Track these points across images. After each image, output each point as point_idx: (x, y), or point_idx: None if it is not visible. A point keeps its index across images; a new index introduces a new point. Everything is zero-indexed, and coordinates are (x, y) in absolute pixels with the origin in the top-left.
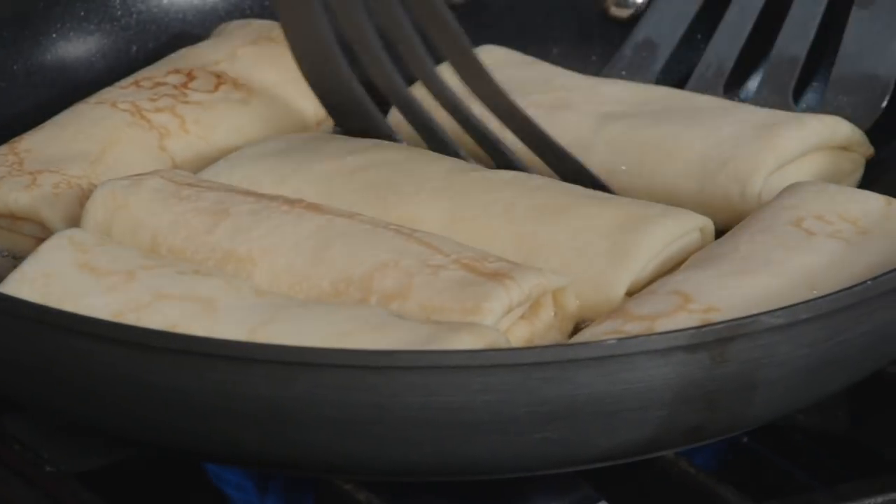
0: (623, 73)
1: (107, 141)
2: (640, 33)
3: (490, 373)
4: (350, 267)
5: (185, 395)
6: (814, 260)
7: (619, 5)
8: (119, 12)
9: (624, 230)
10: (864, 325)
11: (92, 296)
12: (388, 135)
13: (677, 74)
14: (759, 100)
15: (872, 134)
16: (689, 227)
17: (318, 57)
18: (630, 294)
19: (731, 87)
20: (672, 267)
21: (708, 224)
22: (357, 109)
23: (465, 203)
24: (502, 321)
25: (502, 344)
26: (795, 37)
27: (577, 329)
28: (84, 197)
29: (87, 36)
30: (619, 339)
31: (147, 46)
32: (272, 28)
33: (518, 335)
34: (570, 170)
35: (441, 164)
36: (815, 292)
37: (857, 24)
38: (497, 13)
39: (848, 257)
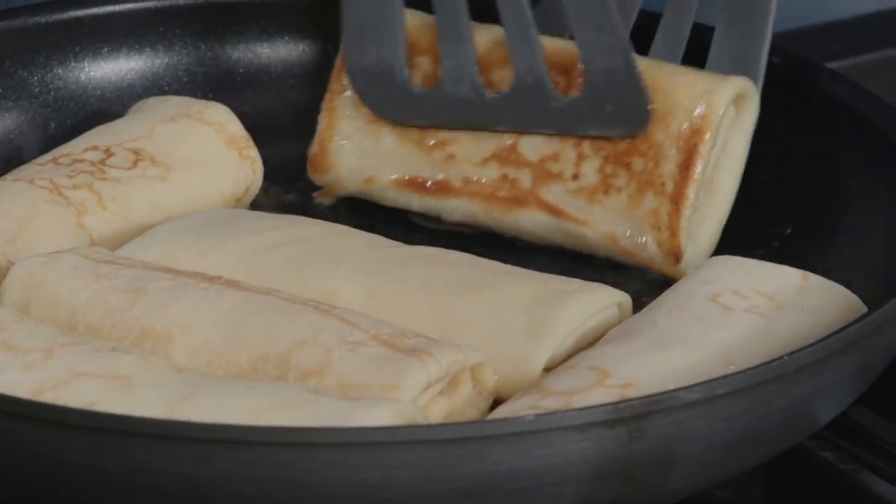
0: None
1: (24, 218)
2: None
3: (408, 449)
4: (268, 343)
5: (103, 473)
6: (731, 335)
7: None
8: (37, 89)
9: (542, 306)
10: (782, 401)
11: (9, 373)
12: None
13: None
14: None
15: (788, 209)
16: (606, 302)
17: None
18: (548, 369)
19: None
20: (590, 342)
21: (626, 299)
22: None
23: (383, 279)
24: (421, 397)
25: (420, 420)
26: (668, 48)
27: (495, 405)
28: (1, 275)
29: (4, 113)
30: (537, 415)
31: (65, 123)
32: (190, 105)
33: (436, 411)
34: None
35: (359, 240)
36: (732, 367)
37: (721, 37)
38: None
39: (765, 332)
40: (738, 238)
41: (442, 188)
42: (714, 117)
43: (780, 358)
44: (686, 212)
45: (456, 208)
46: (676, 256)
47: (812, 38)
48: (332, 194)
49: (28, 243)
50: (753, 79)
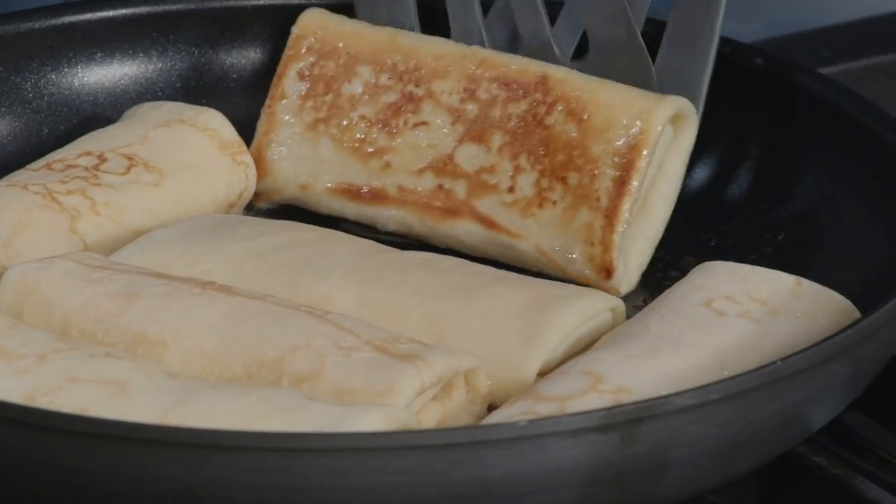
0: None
1: (18, 224)
2: None
3: (401, 454)
4: (261, 349)
5: (96, 478)
6: (724, 340)
7: None
8: (31, 95)
9: (535, 311)
10: (775, 406)
11: (2, 379)
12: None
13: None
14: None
15: (781, 215)
16: (600, 307)
17: None
18: (542, 375)
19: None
20: (584, 347)
21: (619, 305)
22: None
23: (376, 285)
24: (414, 403)
25: (414, 425)
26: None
27: (489, 410)
28: None
29: None
30: (531, 421)
31: (59, 129)
32: (184, 110)
33: (430, 417)
34: None
35: (352, 246)
36: (725, 373)
37: (665, 57)
38: None
39: (758, 337)
40: (731, 244)
41: (377, 196)
42: (651, 134)
43: (774, 363)
44: (619, 227)
45: (390, 217)
46: (608, 271)
47: (804, 44)
48: (269, 200)
49: (21, 249)
50: (694, 98)
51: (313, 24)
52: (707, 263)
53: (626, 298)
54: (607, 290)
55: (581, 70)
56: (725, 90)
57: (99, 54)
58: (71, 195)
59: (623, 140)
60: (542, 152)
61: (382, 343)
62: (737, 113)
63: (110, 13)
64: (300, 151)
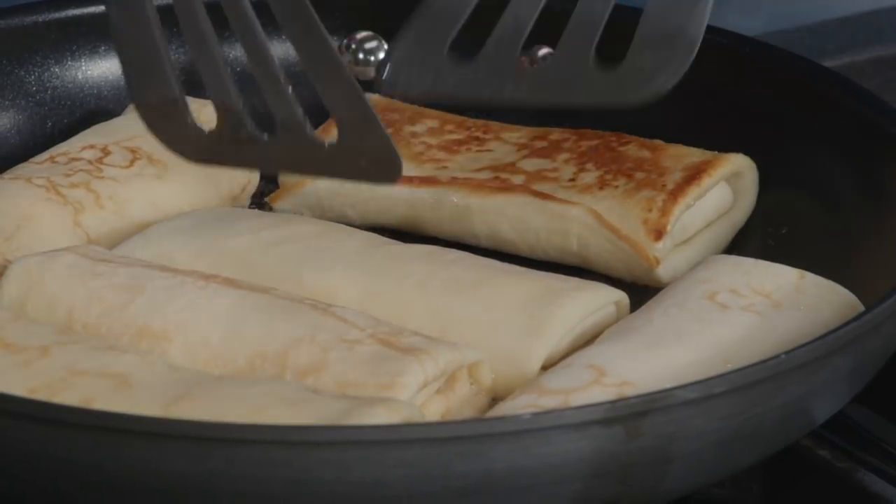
0: (414, 43)
1: (21, 217)
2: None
3: (405, 447)
4: (265, 342)
5: (99, 471)
6: (727, 333)
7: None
8: (34, 88)
9: (539, 304)
10: (778, 399)
11: (5, 372)
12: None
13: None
14: (558, 59)
15: (784, 208)
16: (604, 300)
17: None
18: (545, 368)
19: (529, 48)
20: (587, 340)
21: (623, 298)
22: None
23: (380, 277)
24: (418, 396)
25: (417, 419)
26: (594, 3)
27: (492, 403)
28: None
29: (1, 111)
30: (534, 414)
31: (62, 122)
32: (187, 103)
33: (433, 410)
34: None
35: (356, 238)
36: (728, 366)
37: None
38: None
39: (761, 331)
40: (735, 237)
41: (426, 181)
42: (725, 161)
43: (777, 356)
44: (682, 202)
45: (430, 195)
46: (658, 233)
47: (808, 37)
48: (291, 195)
49: (25, 242)
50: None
51: (374, 99)
52: (711, 257)
53: (628, 293)
54: (647, 258)
55: (333, 151)
56: (727, 82)
57: (102, 47)
58: (74, 188)
59: (698, 159)
60: (611, 163)
61: (386, 336)
62: (738, 106)
63: None
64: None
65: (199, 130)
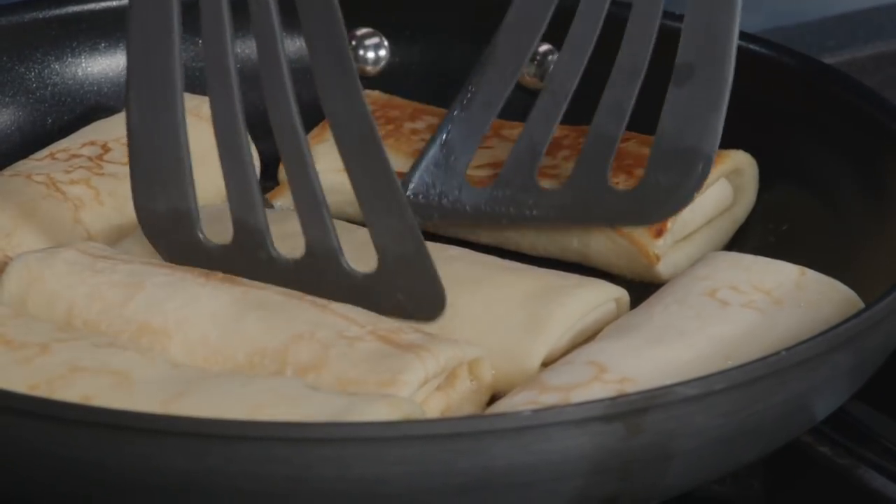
0: (426, 174)
1: (22, 214)
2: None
3: (405, 444)
4: (265, 339)
5: (99, 468)
6: (728, 330)
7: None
8: (34, 84)
9: (539, 301)
10: (779, 396)
11: (6, 368)
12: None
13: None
14: (575, 180)
15: (785, 205)
16: (604, 297)
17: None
18: (546, 364)
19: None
20: (588, 337)
21: (623, 295)
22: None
23: None
24: (418, 393)
25: (418, 415)
26: (610, 116)
27: (492, 400)
28: None
29: (1, 108)
30: (535, 410)
31: (62, 119)
32: (187, 100)
33: (434, 406)
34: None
35: (360, 235)
36: (729, 362)
37: (674, 101)
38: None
39: (762, 327)
40: (735, 233)
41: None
42: (729, 158)
43: (778, 353)
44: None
45: None
46: (659, 231)
47: (809, 34)
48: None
49: (25, 238)
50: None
51: (374, 95)
52: (711, 253)
53: (629, 289)
54: (647, 255)
55: (368, 282)
56: None
57: (103, 44)
58: (74, 185)
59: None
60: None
61: (386, 333)
62: (739, 103)
63: (114, 3)
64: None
65: (210, 244)
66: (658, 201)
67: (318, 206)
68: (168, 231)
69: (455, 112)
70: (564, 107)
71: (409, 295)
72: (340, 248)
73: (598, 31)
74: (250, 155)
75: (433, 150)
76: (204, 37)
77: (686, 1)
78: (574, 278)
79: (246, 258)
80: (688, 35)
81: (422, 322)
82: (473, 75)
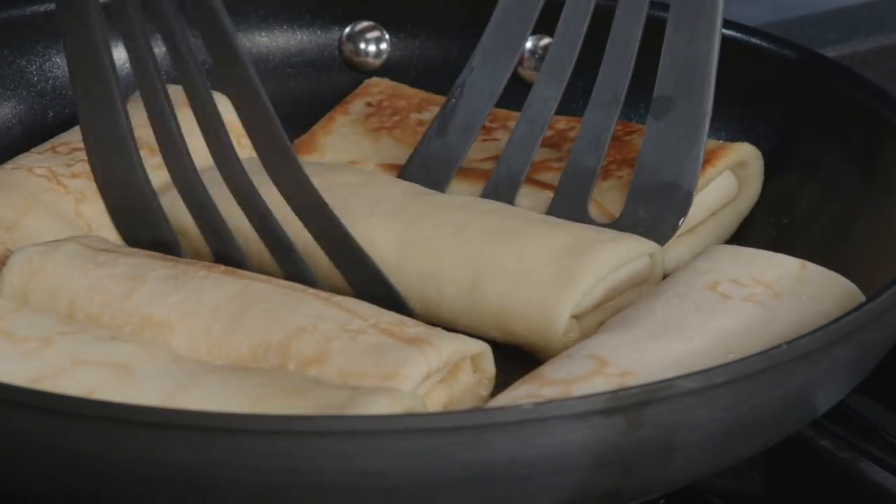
0: (422, 166)
1: (23, 207)
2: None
3: (407, 437)
4: (268, 332)
5: (101, 461)
6: (729, 323)
7: None
8: (36, 78)
9: (571, 254)
10: (780, 389)
11: (8, 361)
12: (174, 243)
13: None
14: (554, 211)
15: (786, 198)
16: (637, 252)
17: (114, 153)
18: (578, 318)
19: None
20: (621, 292)
21: (658, 251)
22: (146, 216)
23: (418, 225)
24: (421, 386)
25: (419, 409)
26: (589, 147)
27: (512, 370)
28: (0, 263)
29: (3, 102)
30: (536, 404)
31: (64, 112)
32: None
33: (436, 399)
34: (366, 277)
35: (396, 188)
36: (730, 356)
37: (653, 134)
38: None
39: (763, 321)
40: (737, 227)
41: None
42: (732, 150)
43: (779, 346)
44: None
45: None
46: None
47: (810, 27)
48: None
49: (27, 232)
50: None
51: (383, 84)
52: (712, 247)
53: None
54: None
55: None
56: (730, 72)
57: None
58: (76, 178)
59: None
60: (615, 153)
61: (389, 326)
62: (740, 96)
63: None
64: (357, 141)
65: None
66: (638, 235)
67: (290, 248)
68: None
69: (450, 103)
70: (542, 135)
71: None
72: (315, 282)
73: (575, 57)
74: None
75: (428, 142)
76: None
77: (664, 32)
78: (609, 233)
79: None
80: (666, 67)
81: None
82: (467, 67)
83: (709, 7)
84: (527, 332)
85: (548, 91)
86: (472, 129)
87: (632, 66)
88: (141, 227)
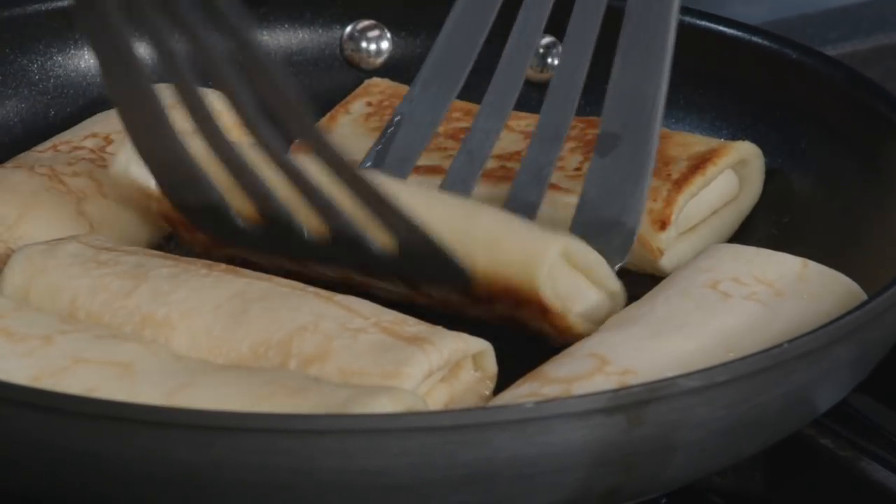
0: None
1: (24, 205)
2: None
3: (408, 436)
4: (269, 330)
5: (102, 460)
6: (730, 322)
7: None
8: (37, 77)
9: None
10: (781, 388)
11: (8, 360)
12: (223, 206)
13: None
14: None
15: (787, 197)
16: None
17: (151, 127)
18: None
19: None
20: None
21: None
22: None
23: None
24: (422, 385)
25: (420, 407)
26: (531, 182)
27: (502, 364)
28: (1, 262)
29: (4, 100)
30: (537, 402)
31: (65, 111)
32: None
33: (437, 398)
34: (414, 240)
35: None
36: (731, 354)
37: (597, 170)
38: None
39: (764, 319)
40: (738, 226)
41: (431, 170)
42: (732, 149)
43: (780, 345)
44: (686, 192)
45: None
46: (663, 223)
47: (811, 26)
48: None
49: (28, 230)
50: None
51: (383, 84)
52: (713, 245)
53: (632, 282)
54: (650, 249)
55: (394, 260)
56: (731, 70)
57: None
58: (77, 177)
59: (704, 147)
60: None
61: (390, 325)
62: (741, 95)
63: None
64: (358, 141)
65: (244, 226)
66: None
67: (338, 206)
68: (206, 218)
69: (388, 132)
70: (482, 169)
71: (435, 269)
72: (364, 234)
73: (517, 92)
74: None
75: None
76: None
77: (612, 68)
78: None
79: (279, 239)
80: (612, 104)
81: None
82: (406, 97)
83: (658, 45)
84: (513, 262)
85: (489, 123)
86: (409, 160)
87: (576, 104)
88: (190, 193)
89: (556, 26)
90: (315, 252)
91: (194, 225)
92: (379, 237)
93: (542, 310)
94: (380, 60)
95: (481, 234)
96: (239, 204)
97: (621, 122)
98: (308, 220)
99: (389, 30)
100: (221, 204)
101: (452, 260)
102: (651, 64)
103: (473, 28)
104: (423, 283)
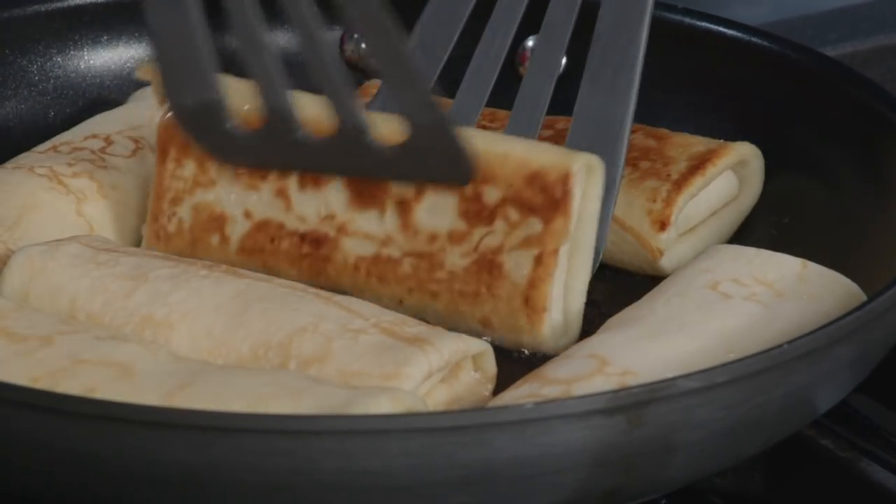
0: None
1: (24, 206)
2: None
3: (408, 437)
4: (269, 331)
5: (102, 460)
6: (730, 323)
7: None
8: (37, 77)
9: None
10: (781, 389)
11: (8, 361)
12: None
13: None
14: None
15: (787, 197)
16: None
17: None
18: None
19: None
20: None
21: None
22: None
23: None
24: (422, 386)
25: (420, 408)
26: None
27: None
28: (1, 263)
29: (4, 101)
30: (537, 403)
31: (65, 111)
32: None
33: (437, 398)
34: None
35: None
36: (731, 355)
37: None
38: None
39: (764, 320)
40: (737, 227)
41: None
42: (732, 150)
43: (780, 346)
44: (686, 192)
45: None
46: (662, 224)
47: (811, 27)
48: None
49: (28, 231)
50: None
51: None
52: (713, 246)
53: (632, 283)
54: (650, 249)
55: (397, 153)
56: (731, 71)
57: (105, 37)
58: (77, 178)
59: (704, 148)
60: None
61: (390, 326)
62: (741, 95)
63: None
64: None
65: (241, 133)
66: None
67: (343, 88)
68: (202, 124)
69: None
70: None
71: (439, 160)
72: (368, 124)
73: (483, 102)
74: (267, 34)
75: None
76: None
77: (578, 91)
78: None
79: (276, 142)
80: (579, 125)
81: (454, 185)
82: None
83: (627, 68)
84: (549, 155)
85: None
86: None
87: (540, 123)
88: (190, 92)
89: (537, 27)
90: (312, 154)
91: (186, 130)
92: (383, 129)
93: (548, 218)
94: None
95: (514, 153)
96: (238, 102)
97: (587, 144)
98: (310, 117)
99: None
100: (219, 106)
101: (458, 148)
102: (620, 85)
103: (447, 24)
104: (422, 177)
